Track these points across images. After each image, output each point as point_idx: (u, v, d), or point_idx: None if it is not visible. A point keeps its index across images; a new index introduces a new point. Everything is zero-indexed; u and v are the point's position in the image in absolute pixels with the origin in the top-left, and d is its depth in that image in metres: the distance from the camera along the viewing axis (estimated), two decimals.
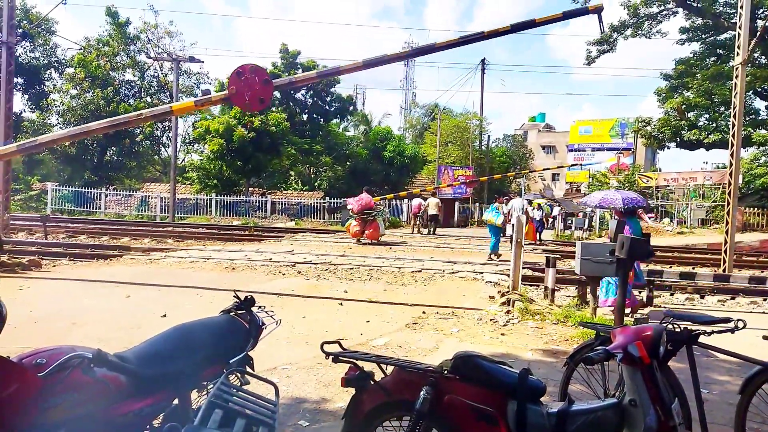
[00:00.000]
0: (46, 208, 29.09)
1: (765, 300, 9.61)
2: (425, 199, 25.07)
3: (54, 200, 30.22)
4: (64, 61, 36.63)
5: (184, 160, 43.30)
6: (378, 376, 2.74)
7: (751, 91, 29.55)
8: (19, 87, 35.07)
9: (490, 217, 14.63)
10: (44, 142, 4.03)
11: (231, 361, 2.59)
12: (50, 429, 1.93)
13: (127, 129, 35.55)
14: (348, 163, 37.91)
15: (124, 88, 36.93)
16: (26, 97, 35.92)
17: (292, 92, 37.67)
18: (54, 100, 34.78)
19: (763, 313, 8.81)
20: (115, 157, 38.17)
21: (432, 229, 24.58)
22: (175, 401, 2.47)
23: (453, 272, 11.54)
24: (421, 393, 2.53)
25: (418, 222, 25.34)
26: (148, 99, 37.34)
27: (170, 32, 37.94)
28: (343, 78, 40.77)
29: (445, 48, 5.25)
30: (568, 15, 8.52)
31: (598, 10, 8.42)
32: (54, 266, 11.15)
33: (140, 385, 2.22)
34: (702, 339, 3.25)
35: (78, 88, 34.32)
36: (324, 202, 31.82)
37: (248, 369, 2.78)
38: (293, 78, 4.41)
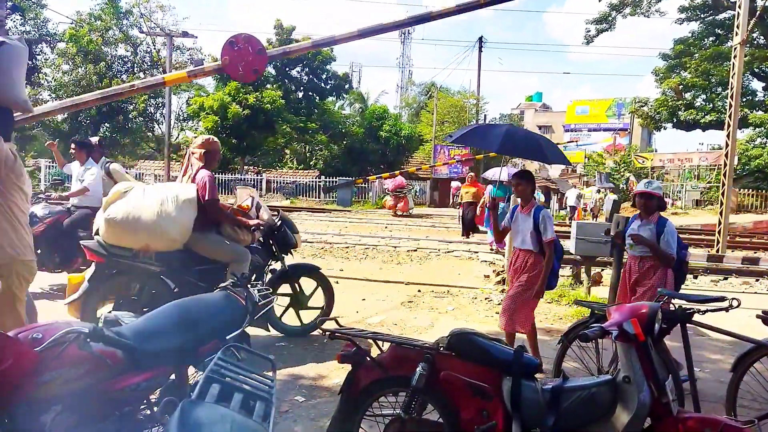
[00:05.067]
0: (39, 185, 28.89)
1: (757, 281, 9.68)
2: (462, 182, 27.93)
3: (47, 177, 30.00)
4: (55, 36, 35.98)
5: (178, 137, 42.92)
6: (374, 353, 2.76)
7: (749, 72, 29.43)
8: None
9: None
10: (36, 115, 3.96)
11: (228, 337, 2.60)
12: (47, 404, 1.93)
13: (120, 105, 35.20)
14: (344, 142, 37.70)
15: (116, 63, 36.37)
16: None
17: (287, 69, 37.25)
18: (45, 75, 34.27)
19: (756, 293, 8.89)
20: (108, 134, 37.77)
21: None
22: (172, 376, 2.48)
23: (448, 251, 11.58)
24: (417, 369, 2.55)
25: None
26: (141, 74, 36.80)
27: (163, 6, 37.21)
28: (339, 55, 40.40)
29: (442, 16, 5.12)
30: None
31: None
32: None
33: (137, 361, 2.22)
34: (696, 317, 3.28)
35: (70, 63, 33.80)
36: (319, 181, 31.72)
37: (245, 345, 2.79)
38: (287, 48, 4.34)
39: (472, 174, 15.76)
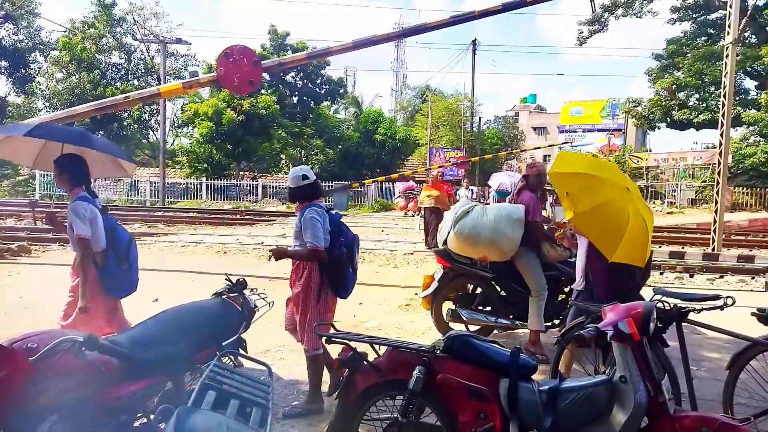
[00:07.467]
0: (35, 194, 28.77)
1: (753, 278, 9.72)
2: (459, 185, 29.81)
3: (42, 185, 29.87)
4: (49, 44, 35.89)
5: (173, 143, 42.82)
6: (371, 356, 2.75)
7: (741, 71, 29.59)
8: (3, 70, 34.40)
9: None
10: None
11: (224, 344, 2.59)
12: (43, 413, 1.92)
13: (114, 113, 35.11)
14: (339, 146, 37.66)
15: (110, 71, 36.29)
16: (11, 80, 35.24)
17: (281, 74, 37.25)
18: (39, 84, 34.16)
19: (751, 291, 8.92)
20: None
21: None
22: (169, 384, 2.47)
23: None
24: (414, 372, 2.55)
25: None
26: (135, 82, 36.75)
27: (156, 13, 37.26)
28: (334, 60, 40.42)
29: (436, 28, 5.25)
30: None
31: None
32: (44, 252, 11.07)
33: (133, 369, 2.22)
34: (691, 316, 3.28)
35: (64, 71, 33.68)
36: None
37: (241, 351, 2.78)
38: (283, 59, 4.36)
39: (436, 174, 13.13)
